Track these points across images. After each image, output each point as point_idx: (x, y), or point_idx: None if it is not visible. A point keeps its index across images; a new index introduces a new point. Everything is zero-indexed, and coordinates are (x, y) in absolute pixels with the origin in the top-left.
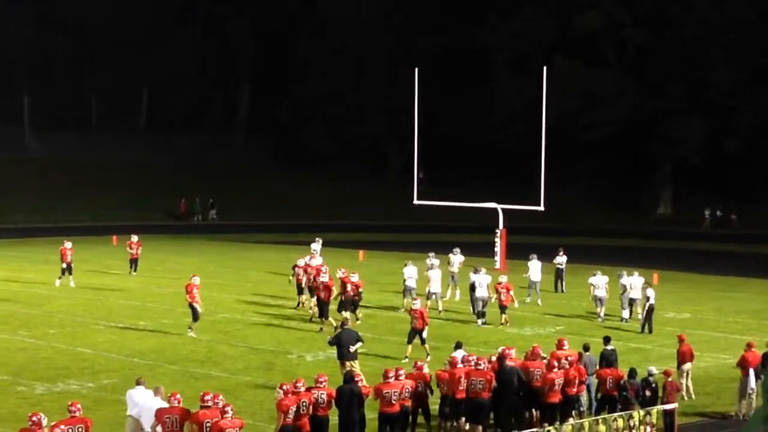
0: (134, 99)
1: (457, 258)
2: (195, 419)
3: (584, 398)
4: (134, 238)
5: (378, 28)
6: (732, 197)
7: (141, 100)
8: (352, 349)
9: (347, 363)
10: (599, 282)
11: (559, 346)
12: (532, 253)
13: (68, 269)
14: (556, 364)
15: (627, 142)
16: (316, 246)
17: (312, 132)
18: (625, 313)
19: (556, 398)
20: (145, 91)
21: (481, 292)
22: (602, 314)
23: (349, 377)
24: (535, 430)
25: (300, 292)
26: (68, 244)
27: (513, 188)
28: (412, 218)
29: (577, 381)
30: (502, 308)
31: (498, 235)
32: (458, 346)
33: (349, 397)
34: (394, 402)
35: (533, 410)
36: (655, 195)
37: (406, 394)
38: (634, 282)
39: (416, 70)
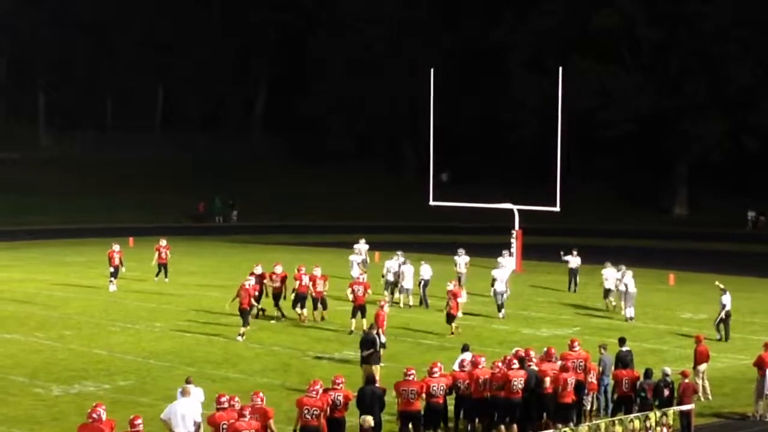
0: (150, 98)
1: (462, 259)
2: (211, 421)
3: (602, 399)
4: (163, 242)
5: (395, 26)
6: (750, 196)
7: (157, 99)
8: (365, 353)
9: (365, 366)
10: (610, 275)
11: (571, 346)
12: (504, 250)
13: (115, 272)
14: (570, 365)
15: (644, 140)
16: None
17: (329, 131)
18: (629, 312)
19: (569, 399)
20: (160, 89)
21: (499, 287)
22: (613, 305)
23: (371, 379)
24: (553, 431)
25: (276, 302)
26: (116, 247)
27: (529, 188)
28: (428, 219)
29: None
30: (450, 317)
31: (514, 235)
32: (465, 348)
33: (371, 398)
34: (412, 400)
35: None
36: (672, 195)
37: (439, 392)
38: (608, 273)
39: (431, 70)
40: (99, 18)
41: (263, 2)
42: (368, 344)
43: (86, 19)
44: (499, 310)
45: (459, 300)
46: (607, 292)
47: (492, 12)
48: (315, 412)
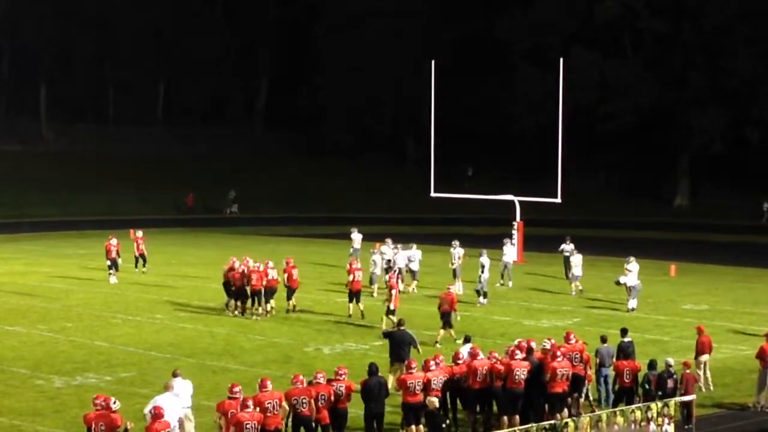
0: (152, 91)
1: (456, 252)
2: (220, 408)
3: (603, 390)
4: (139, 233)
5: (397, 19)
6: (752, 188)
7: (158, 93)
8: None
9: (397, 365)
10: (577, 261)
11: (566, 339)
12: (506, 238)
13: (114, 265)
14: (558, 354)
15: (646, 133)
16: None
17: (331, 124)
18: (632, 303)
19: (560, 388)
20: (162, 83)
21: (487, 274)
22: (574, 292)
23: (375, 369)
24: (552, 422)
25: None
26: (113, 240)
27: (530, 180)
28: (429, 210)
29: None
30: (388, 310)
31: (515, 227)
32: (467, 340)
33: (378, 388)
34: (417, 392)
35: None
36: (673, 186)
37: (438, 385)
38: (575, 260)
39: (433, 62)
40: (101, 11)
41: None
42: (407, 342)
43: (88, 12)
44: (483, 297)
45: (393, 292)
46: (572, 277)
47: (495, 4)
48: (304, 401)
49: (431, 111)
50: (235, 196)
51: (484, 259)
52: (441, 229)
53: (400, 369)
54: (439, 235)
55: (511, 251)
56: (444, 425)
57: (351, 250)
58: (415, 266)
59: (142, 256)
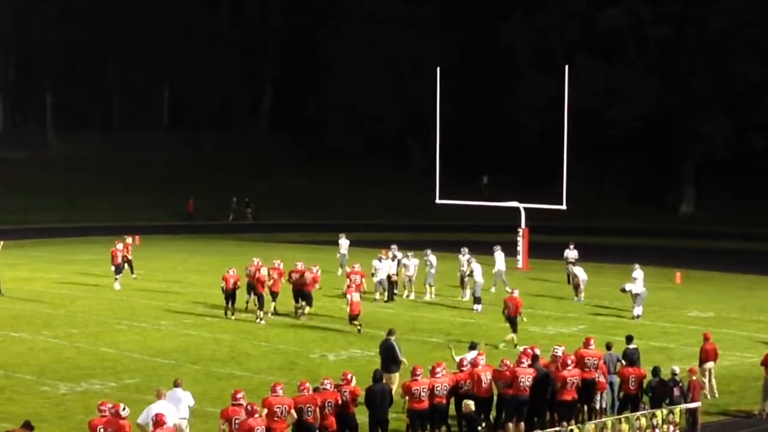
0: (157, 96)
1: (465, 258)
2: (224, 415)
3: (608, 397)
4: (129, 239)
5: (402, 23)
6: (757, 195)
7: (163, 98)
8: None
9: (386, 375)
10: (580, 272)
11: (586, 344)
12: (496, 245)
13: (117, 270)
14: (569, 362)
15: (651, 139)
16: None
17: (335, 129)
18: (637, 310)
19: (569, 396)
20: (167, 87)
21: (478, 278)
22: (582, 298)
23: (379, 376)
24: (558, 428)
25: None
26: (119, 245)
27: (535, 187)
28: (435, 217)
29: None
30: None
31: (520, 234)
32: (472, 346)
33: (381, 396)
34: (423, 398)
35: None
36: (678, 193)
37: (443, 392)
38: (577, 268)
39: (438, 69)
40: (105, 17)
41: (270, 1)
42: (388, 351)
43: (93, 17)
44: (477, 302)
45: (355, 299)
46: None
47: (499, 10)
48: (309, 409)
49: (436, 118)
50: (249, 202)
51: (475, 266)
52: (445, 236)
53: (391, 378)
54: (443, 242)
55: (500, 258)
56: (480, 428)
57: (338, 255)
58: (431, 271)
59: (129, 261)
